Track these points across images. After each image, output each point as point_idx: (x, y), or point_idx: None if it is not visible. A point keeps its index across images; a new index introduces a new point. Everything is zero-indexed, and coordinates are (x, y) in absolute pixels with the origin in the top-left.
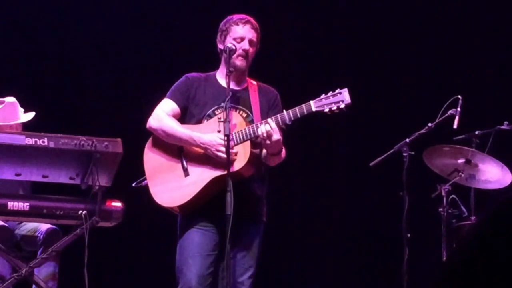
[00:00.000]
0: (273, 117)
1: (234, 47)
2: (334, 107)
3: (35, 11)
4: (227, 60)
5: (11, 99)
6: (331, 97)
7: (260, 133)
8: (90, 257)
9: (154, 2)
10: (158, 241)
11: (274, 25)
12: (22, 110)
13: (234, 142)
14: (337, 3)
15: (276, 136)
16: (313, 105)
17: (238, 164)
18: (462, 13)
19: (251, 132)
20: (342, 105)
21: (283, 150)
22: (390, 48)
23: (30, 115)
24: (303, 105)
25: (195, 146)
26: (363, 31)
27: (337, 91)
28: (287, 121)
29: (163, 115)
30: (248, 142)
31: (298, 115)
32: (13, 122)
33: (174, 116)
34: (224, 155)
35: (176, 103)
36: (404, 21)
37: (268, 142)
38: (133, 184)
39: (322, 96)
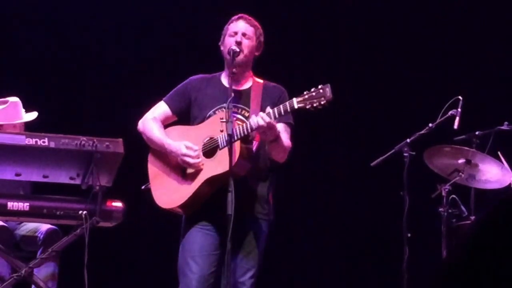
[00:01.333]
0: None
1: (237, 50)
2: (316, 103)
3: (35, 11)
4: (230, 61)
5: (14, 99)
6: (313, 93)
7: (254, 125)
8: (90, 258)
9: (156, 2)
10: (159, 241)
11: (275, 26)
12: (24, 110)
13: (222, 145)
14: (338, 3)
15: (262, 121)
16: (295, 102)
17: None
18: (462, 13)
19: (240, 131)
20: (324, 101)
21: (288, 141)
22: (391, 48)
23: (33, 115)
24: (287, 103)
25: (166, 152)
26: (364, 31)
27: (320, 87)
28: (272, 119)
29: (149, 119)
30: (237, 142)
31: (282, 112)
32: (16, 122)
33: (166, 120)
34: (189, 163)
35: (170, 107)
36: (405, 21)
37: (262, 131)
38: (142, 187)
39: (305, 93)
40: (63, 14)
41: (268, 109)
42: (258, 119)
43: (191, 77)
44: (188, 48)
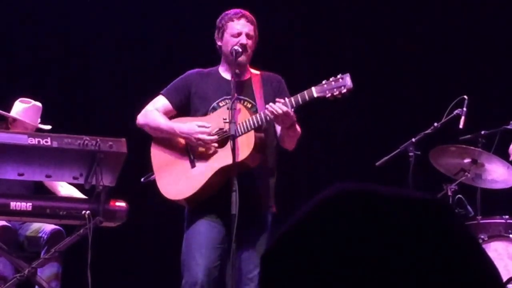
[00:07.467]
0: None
1: (240, 50)
2: (336, 92)
3: (40, 10)
4: (233, 61)
5: (38, 103)
6: (332, 83)
7: (267, 118)
8: (94, 258)
9: (157, 3)
10: (162, 241)
11: (277, 19)
12: (40, 119)
13: (238, 133)
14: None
15: (279, 110)
16: (315, 91)
17: (244, 153)
18: (467, 13)
19: (254, 121)
20: (344, 90)
21: (299, 128)
22: (396, 47)
23: (47, 126)
24: (305, 92)
25: (177, 137)
26: (369, 29)
27: (339, 76)
28: (289, 108)
29: (150, 110)
30: (251, 132)
31: (300, 101)
32: (30, 123)
33: (166, 113)
34: (204, 141)
35: (169, 100)
36: (410, 20)
37: (279, 119)
38: (142, 180)
39: (324, 82)
40: (66, 13)
41: (286, 99)
42: (276, 107)
43: (188, 71)
44: (189, 48)
